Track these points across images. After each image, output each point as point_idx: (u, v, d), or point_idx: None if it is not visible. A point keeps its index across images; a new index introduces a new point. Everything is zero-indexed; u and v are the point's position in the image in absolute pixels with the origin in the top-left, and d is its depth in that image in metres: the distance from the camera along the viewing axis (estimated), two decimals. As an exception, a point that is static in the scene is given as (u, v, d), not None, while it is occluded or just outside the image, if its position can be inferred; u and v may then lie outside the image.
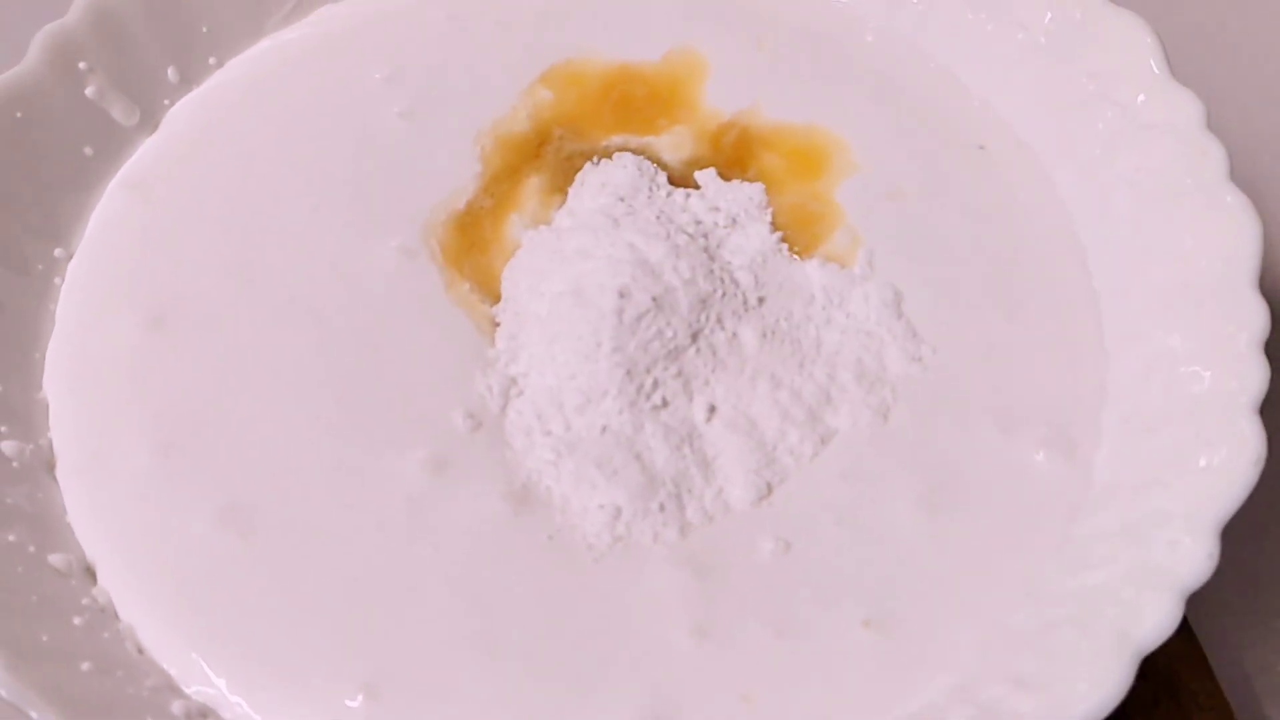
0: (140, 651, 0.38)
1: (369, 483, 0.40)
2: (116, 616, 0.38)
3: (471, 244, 0.45)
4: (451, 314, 0.43)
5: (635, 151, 0.47)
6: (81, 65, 0.46)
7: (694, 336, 0.41)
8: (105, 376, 0.42)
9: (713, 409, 0.41)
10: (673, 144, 0.47)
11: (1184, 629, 0.49)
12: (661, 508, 0.39)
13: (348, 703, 0.36)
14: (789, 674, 0.37)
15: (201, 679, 0.37)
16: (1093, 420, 0.41)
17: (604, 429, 0.40)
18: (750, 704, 0.36)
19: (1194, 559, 0.35)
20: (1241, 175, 0.42)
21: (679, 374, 0.41)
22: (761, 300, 0.43)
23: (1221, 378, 0.39)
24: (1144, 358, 0.41)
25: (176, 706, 0.36)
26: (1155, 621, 0.34)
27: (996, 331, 0.43)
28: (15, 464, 0.40)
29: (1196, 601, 0.49)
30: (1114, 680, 0.33)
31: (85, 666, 0.36)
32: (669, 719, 0.36)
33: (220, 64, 0.50)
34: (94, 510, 0.40)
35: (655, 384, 0.40)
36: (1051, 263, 0.44)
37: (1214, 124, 0.43)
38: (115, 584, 0.39)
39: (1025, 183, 0.46)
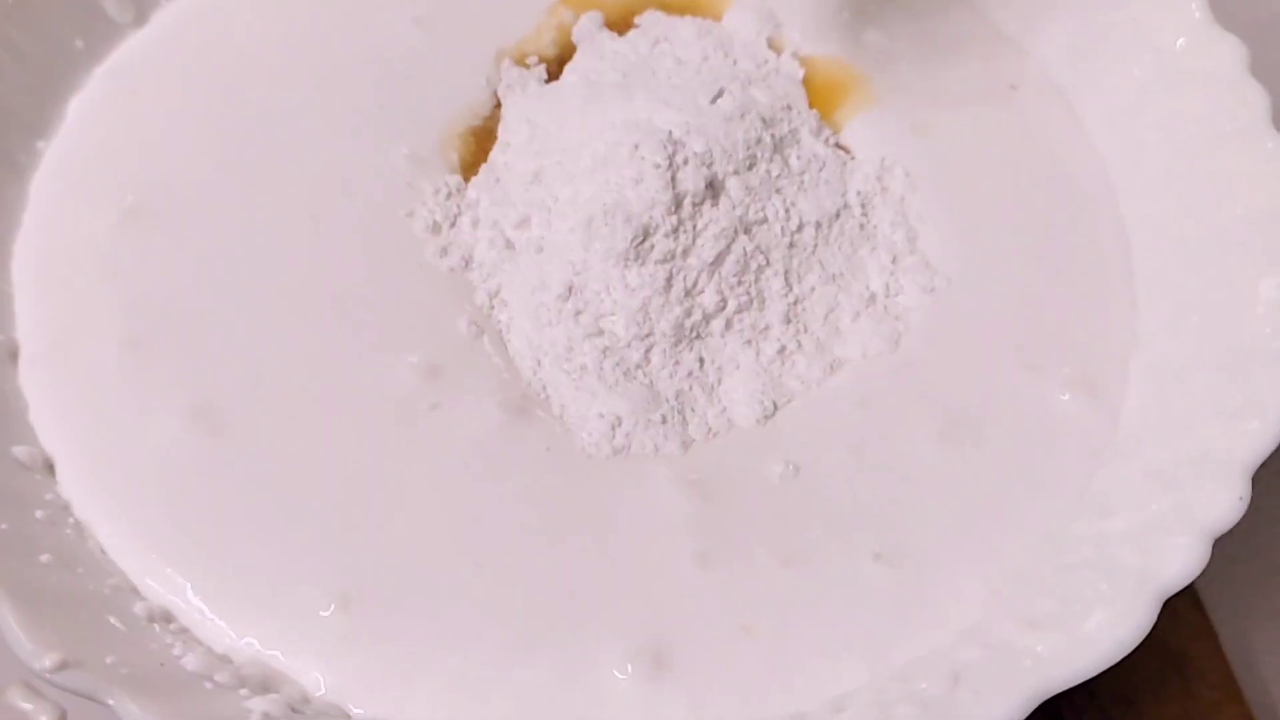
0: (104, 552, 0.36)
1: (356, 385, 0.38)
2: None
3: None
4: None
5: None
6: (76, -46, 0.44)
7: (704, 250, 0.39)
8: (75, 266, 0.40)
9: (723, 323, 0.39)
10: None
11: (1196, 607, 0.48)
12: (664, 419, 0.37)
13: (320, 613, 0.34)
14: (793, 605, 0.35)
15: (163, 582, 0.35)
16: (1120, 365, 0.39)
17: (604, 354, 0.38)
18: (751, 635, 0.34)
19: (1223, 501, 0.33)
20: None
21: (685, 288, 0.39)
22: (768, 218, 0.41)
23: (1254, 324, 0.37)
24: (1175, 305, 0.40)
25: (139, 608, 0.34)
26: (1180, 563, 0.32)
27: (1023, 270, 0.41)
28: (-20, 354, 0.38)
29: (1210, 582, 0.48)
30: (1134, 619, 0.31)
31: (44, 559, 0.34)
32: (665, 648, 0.34)
33: (223, -41, 0.47)
34: (54, 403, 0.38)
35: (660, 298, 0.38)
36: (1082, 206, 0.43)
37: (1256, 69, 0.41)
38: (74, 480, 0.37)
39: (1057, 124, 0.45)
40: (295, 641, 0.34)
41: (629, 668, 0.34)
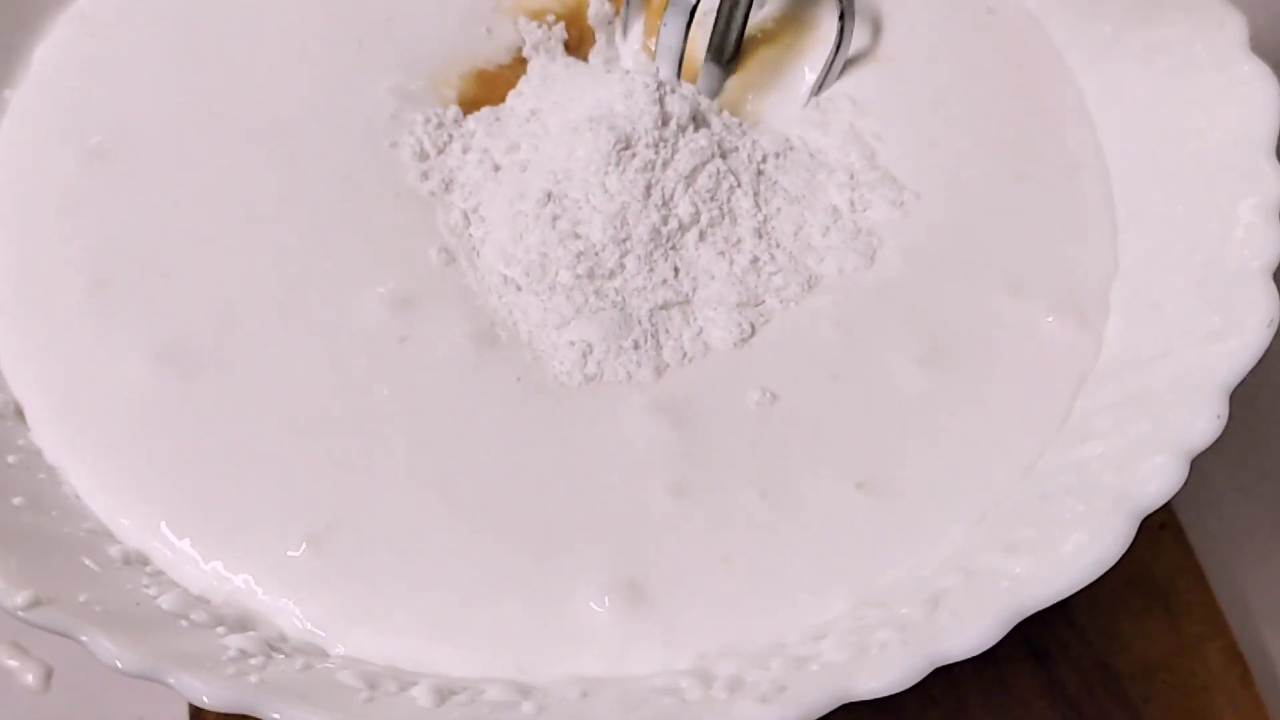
0: (78, 496, 0.35)
1: (324, 320, 0.37)
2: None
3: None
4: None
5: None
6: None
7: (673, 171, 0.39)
8: (40, 210, 0.40)
9: (697, 235, 0.39)
10: None
11: (1181, 542, 0.48)
12: (636, 345, 0.37)
13: (290, 552, 0.34)
14: (773, 536, 0.35)
15: (136, 525, 0.35)
16: (1102, 292, 0.39)
17: (578, 258, 0.38)
18: (730, 567, 0.34)
19: (1201, 419, 0.33)
20: (1265, 47, 0.40)
21: (663, 198, 0.39)
22: (739, 148, 0.40)
23: (1233, 246, 0.37)
24: (1155, 229, 0.40)
25: (114, 551, 0.34)
26: (1158, 481, 0.32)
27: (1003, 193, 0.41)
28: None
29: (1194, 517, 0.48)
30: (1111, 538, 0.31)
31: (17, 501, 0.34)
32: (642, 580, 0.34)
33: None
34: (22, 348, 0.37)
35: (639, 204, 0.38)
36: (1062, 133, 0.42)
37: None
38: (44, 425, 0.36)
39: (1034, 49, 0.44)
40: (268, 581, 0.34)
41: (606, 600, 0.34)
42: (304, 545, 0.34)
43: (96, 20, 0.44)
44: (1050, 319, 0.38)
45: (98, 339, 0.37)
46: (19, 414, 0.37)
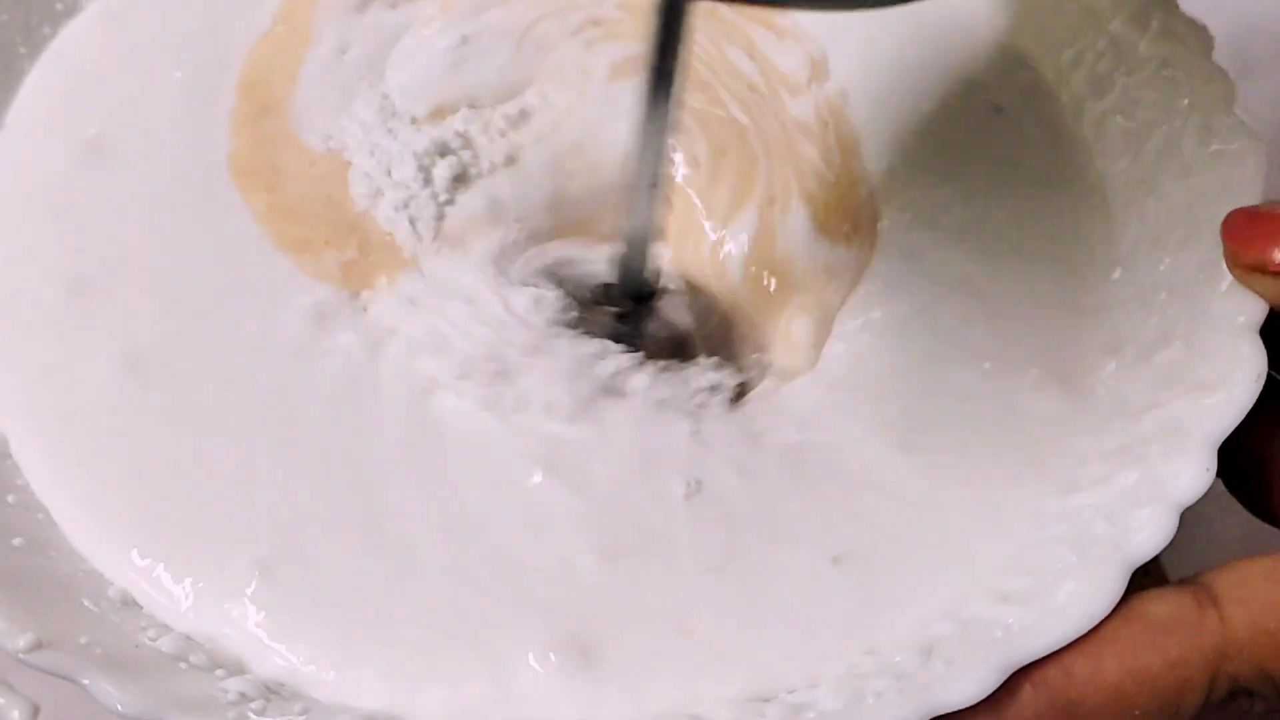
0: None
1: (254, 328, 0.37)
2: (50, 499, 0.36)
3: None
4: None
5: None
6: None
7: None
8: (21, 215, 0.40)
9: None
10: None
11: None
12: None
13: (245, 590, 0.34)
14: (736, 611, 0.34)
15: (114, 565, 0.35)
16: (1088, 348, 0.40)
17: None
18: (690, 638, 0.33)
19: (1190, 472, 0.33)
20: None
21: None
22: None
23: (1220, 300, 0.37)
24: (1144, 284, 0.40)
25: (112, 592, 0.34)
26: (1148, 533, 0.32)
27: (990, 263, 0.41)
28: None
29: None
30: (1103, 590, 0.31)
31: (17, 542, 0.34)
32: (587, 642, 0.33)
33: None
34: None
35: None
36: (1074, 207, 0.43)
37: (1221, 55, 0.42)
38: (23, 454, 0.36)
39: (1050, 137, 0.44)
40: (240, 621, 0.34)
41: (551, 657, 0.33)
42: (255, 582, 0.34)
43: (113, 19, 0.44)
44: (1035, 376, 0.39)
45: (66, 349, 0.37)
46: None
